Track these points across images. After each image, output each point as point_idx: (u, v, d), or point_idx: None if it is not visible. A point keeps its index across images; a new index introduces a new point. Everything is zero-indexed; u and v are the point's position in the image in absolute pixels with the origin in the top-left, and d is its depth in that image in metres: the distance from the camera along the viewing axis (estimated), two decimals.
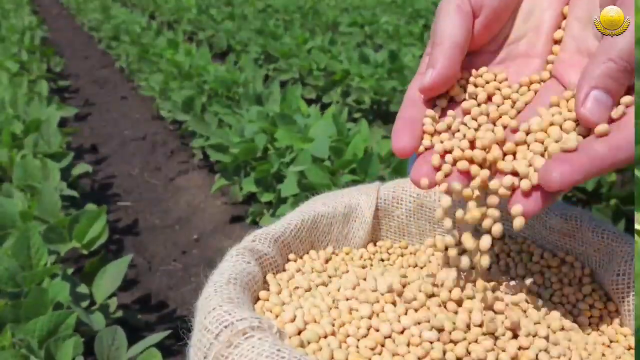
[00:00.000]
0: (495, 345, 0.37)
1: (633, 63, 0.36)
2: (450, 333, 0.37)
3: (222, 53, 3.99)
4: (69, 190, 1.61)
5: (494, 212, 0.38)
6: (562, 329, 0.40)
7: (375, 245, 0.51)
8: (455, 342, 0.36)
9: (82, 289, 1.17)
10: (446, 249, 0.42)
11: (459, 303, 0.39)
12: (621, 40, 0.36)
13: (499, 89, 0.42)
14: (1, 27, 4.41)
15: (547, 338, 0.38)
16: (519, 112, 0.41)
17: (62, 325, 0.96)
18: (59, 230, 1.29)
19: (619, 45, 0.36)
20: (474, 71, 0.43)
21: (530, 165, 0.37)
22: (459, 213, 0.38)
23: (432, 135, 0.41)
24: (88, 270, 1.30)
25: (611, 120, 0.36)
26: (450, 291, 0.39)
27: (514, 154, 0.39)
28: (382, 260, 0.50)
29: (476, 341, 0.37)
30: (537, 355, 0.37)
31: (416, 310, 0.38)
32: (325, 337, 0.36)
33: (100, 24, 4.92)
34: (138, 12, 5.76)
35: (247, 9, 5.06)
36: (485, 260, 0.39)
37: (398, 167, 1.45)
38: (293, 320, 0.37)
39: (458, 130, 0.41)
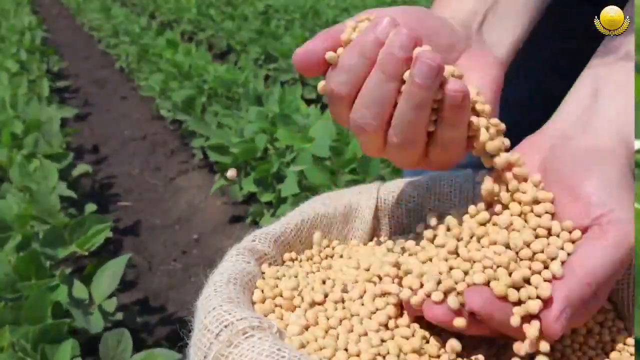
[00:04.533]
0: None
1: (601, 282, 0.35)
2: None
3: (222, 53, 3.99)
4: (68, 191, 1.61)
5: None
6: None
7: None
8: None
9: (81, 290, 1.17)
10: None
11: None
12: (600, 259, 0.35)
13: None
14: (1, 27, 4.41)
15: None
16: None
17: (57, 331, 0.96)
18: (60, 232, 1.28)
19: (598, 265, 0.35)
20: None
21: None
22: None
23: None
24: (88, 272, 1.30)
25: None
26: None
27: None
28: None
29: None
30: None
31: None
32: (325, 337, 0.36)
33: (100, 24, 4.92)
34: (138, 12, 5.76)
35: (247, 9, 5.06)
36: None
37: (398, 167, 1.45)
38: (294, 320, 0.37)
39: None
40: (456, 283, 0.36)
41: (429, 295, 0.36)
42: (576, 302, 0.35)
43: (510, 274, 0.35)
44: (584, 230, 0.37)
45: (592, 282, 0.35)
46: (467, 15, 0.44)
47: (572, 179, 0.38)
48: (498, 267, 0.36)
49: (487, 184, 0.40)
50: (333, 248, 0.48)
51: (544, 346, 0.35)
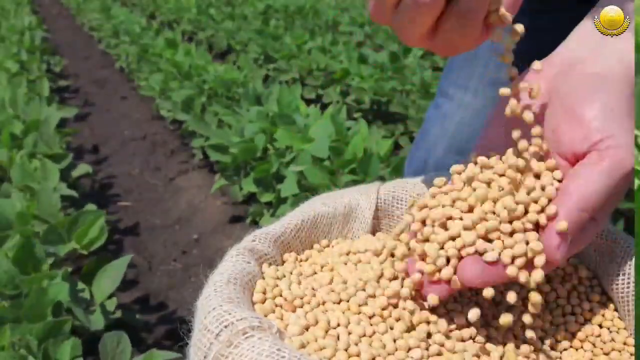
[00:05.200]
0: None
1: (597, 208, 0.36)
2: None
3: (222, 53, 3.99)
4: (69, 191, 1.61)
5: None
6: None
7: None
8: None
9: (82, 288, 1.17)
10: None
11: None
12: (594, 184, 0.36)
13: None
14: (1, 27, 4.41)
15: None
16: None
17: (59, 329, 0.96)
18: (59, 231, 1.29)
19: (591, 191, 0.36)
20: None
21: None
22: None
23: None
24: (87, 271, 1.30)
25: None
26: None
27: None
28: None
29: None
30: None
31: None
32: (325, 337, 0.36)
33: (101, 24, 4.92)
34: (138, 12, 5.76)
35: (247, 9, 5.06)
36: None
37: (398, 167, 1.45)
38: (294, 320, 0.37)
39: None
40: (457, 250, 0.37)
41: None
42: (573, 228, 0.35)
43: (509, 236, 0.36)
44: (582, 156, 0.37)
45: (587, 208, 0.36)
46: None
47: (575, 103, 0.38)
48: (499, 232, 0.37)
49: (512, 104, 0.40)
50: (332, 247, 0.48)
51: (535, 297, 0.36)
